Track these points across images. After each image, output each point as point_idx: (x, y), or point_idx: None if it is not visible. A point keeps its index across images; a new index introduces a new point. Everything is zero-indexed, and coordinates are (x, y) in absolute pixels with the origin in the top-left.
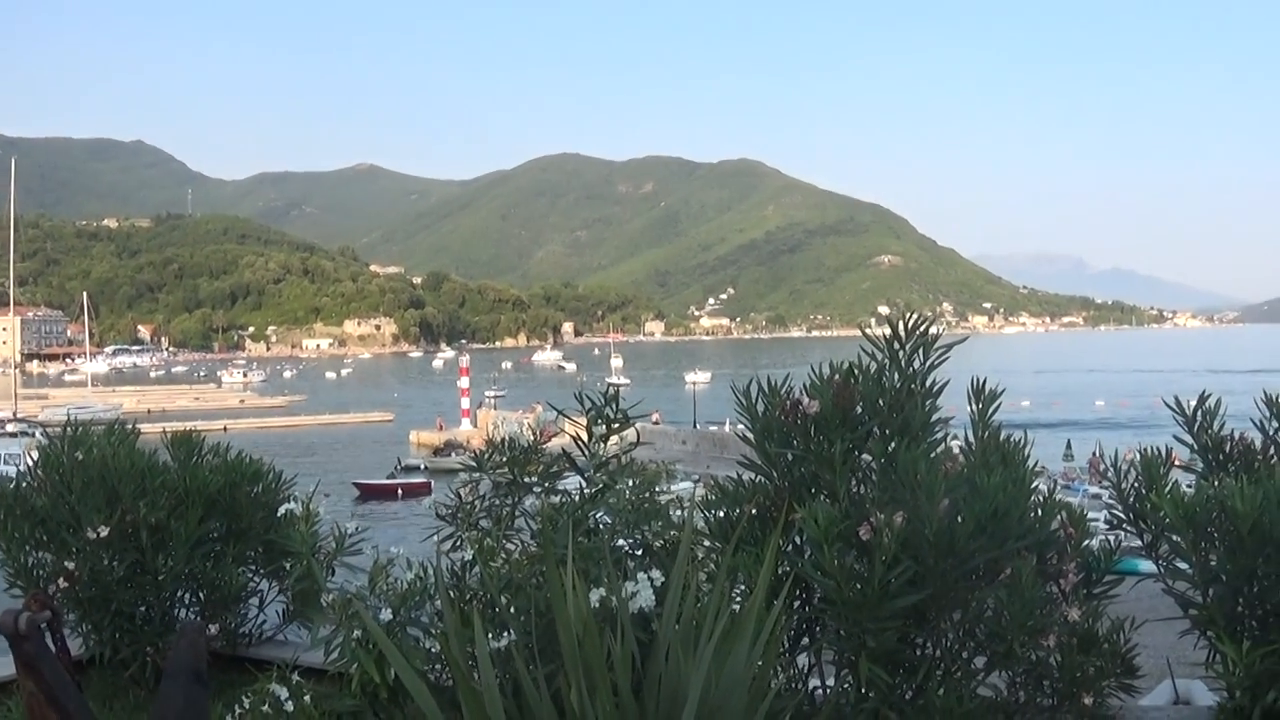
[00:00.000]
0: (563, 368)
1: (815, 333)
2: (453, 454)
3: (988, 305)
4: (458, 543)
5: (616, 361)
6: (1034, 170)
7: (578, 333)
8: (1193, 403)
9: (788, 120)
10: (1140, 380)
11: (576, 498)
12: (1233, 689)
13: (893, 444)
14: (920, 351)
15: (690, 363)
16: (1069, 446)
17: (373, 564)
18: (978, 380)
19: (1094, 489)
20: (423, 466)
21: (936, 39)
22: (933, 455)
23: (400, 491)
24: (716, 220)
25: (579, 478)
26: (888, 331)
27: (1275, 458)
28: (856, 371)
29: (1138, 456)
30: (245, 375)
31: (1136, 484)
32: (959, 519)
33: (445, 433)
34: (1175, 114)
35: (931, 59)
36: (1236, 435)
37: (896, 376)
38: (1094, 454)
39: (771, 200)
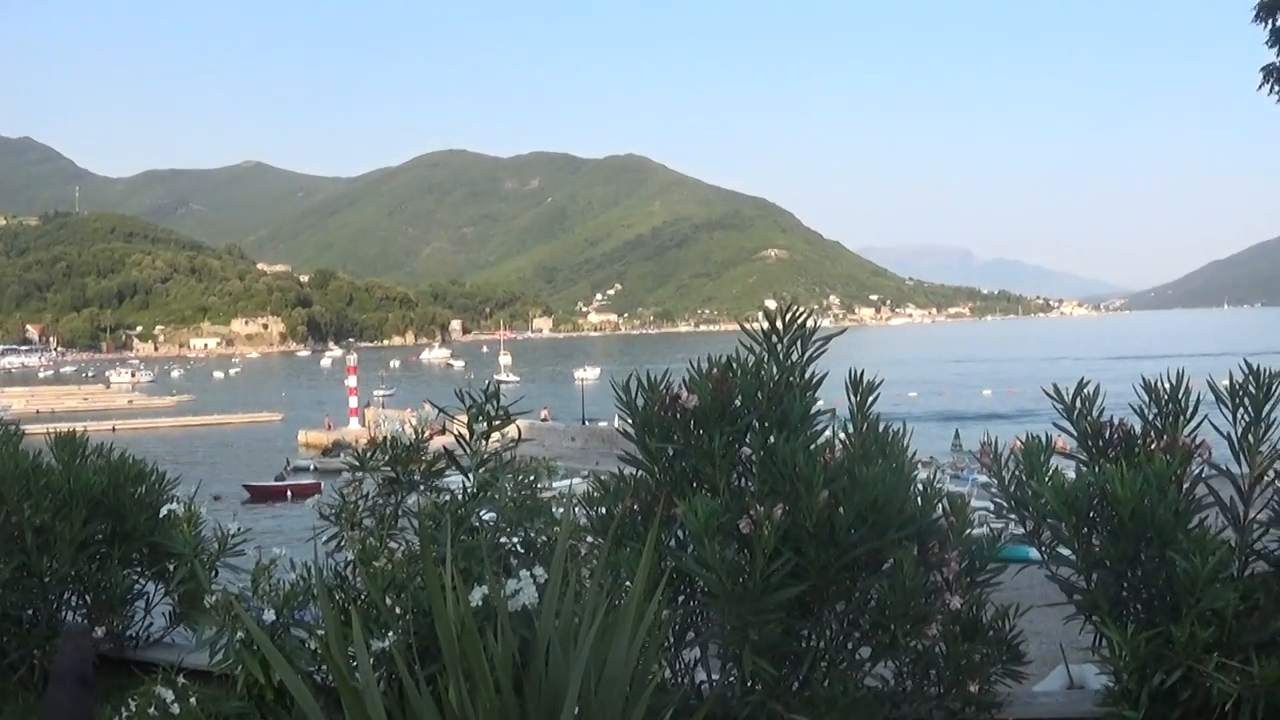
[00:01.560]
0: (451, 365)
1: (703, 327)
2: (341, 454)
3: (875, 297)
4: (341, 543)
5: (505, 359)
6: (918, 164)
7: (466, 330)
8: (1071, 390)
9: (674, 116)
10: (1027, 369)
11: (460, 496)
12: (1119, 672)
13: (772, 437)
14: (798, 344)
15: (579, 359)
16: (957, 436)
17: (255, 565)
18: (855, 372)
19: (983, 478)
20: (312, 467)
21: (818, 35)
22: (812, 447)
23: (290, 493)
24: (603, 216)
25: (461, 476)
26: (767, 325)
27: (1154, 443)
28: (735, 365)
29: (1019, 444)
30: (133, 375)
31: (1018, 472)
32: (839, 510)
33: (334, 432)
34: (1055, 106)
35: (814, 55)
36: (1116, 421)
37: (775, 369)
38: (981, 443)
39: (658, 196)
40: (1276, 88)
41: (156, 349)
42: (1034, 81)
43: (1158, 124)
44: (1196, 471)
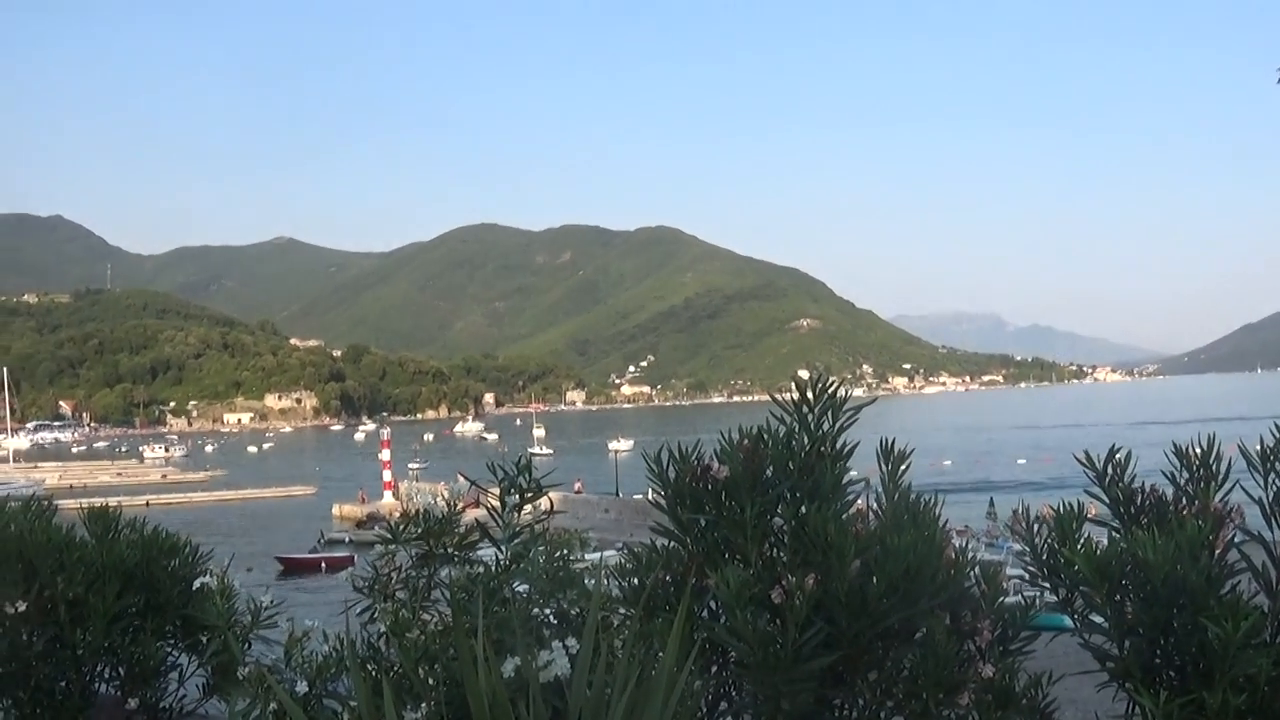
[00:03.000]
0: (485, 439)
1: (736, 398)
2: (375, 527)
3: (908, 366)
4: (374, 614)
5: (539, 431)
6: (949, 230)
7: (499, 403)
8: (1103, 457)
9: (705, 187)
10: (1061, 436)
11: (493, 568)
12: None
13: (803, 507)
14: (829, 414)
15: (612, 431)
16: (992, 504)
17: (288, 637)
18: (887, 441)
19: (1018, 546)
20: (346, 539)
21: (846, 103)
22: (844, 517)
23: (324, 565)
24: (635, 288)
25: (494, 548)
26: (797, 395)
27: (1186, 509)
28: (766, 436)
29: (1051, 512)
30: (167, 450)
31: (1050, 539)
32: (871, 580)
33: (368, 505)
34: (1088, 170)
35: (844, 123)
36: (1148, 487)
37: (806, 439)
38: (1014, 511)
39: (690, 267)
40: None
41: (190, 424)
42: (1064, 147)
43: (1187, 187)
44: (1229, 537)
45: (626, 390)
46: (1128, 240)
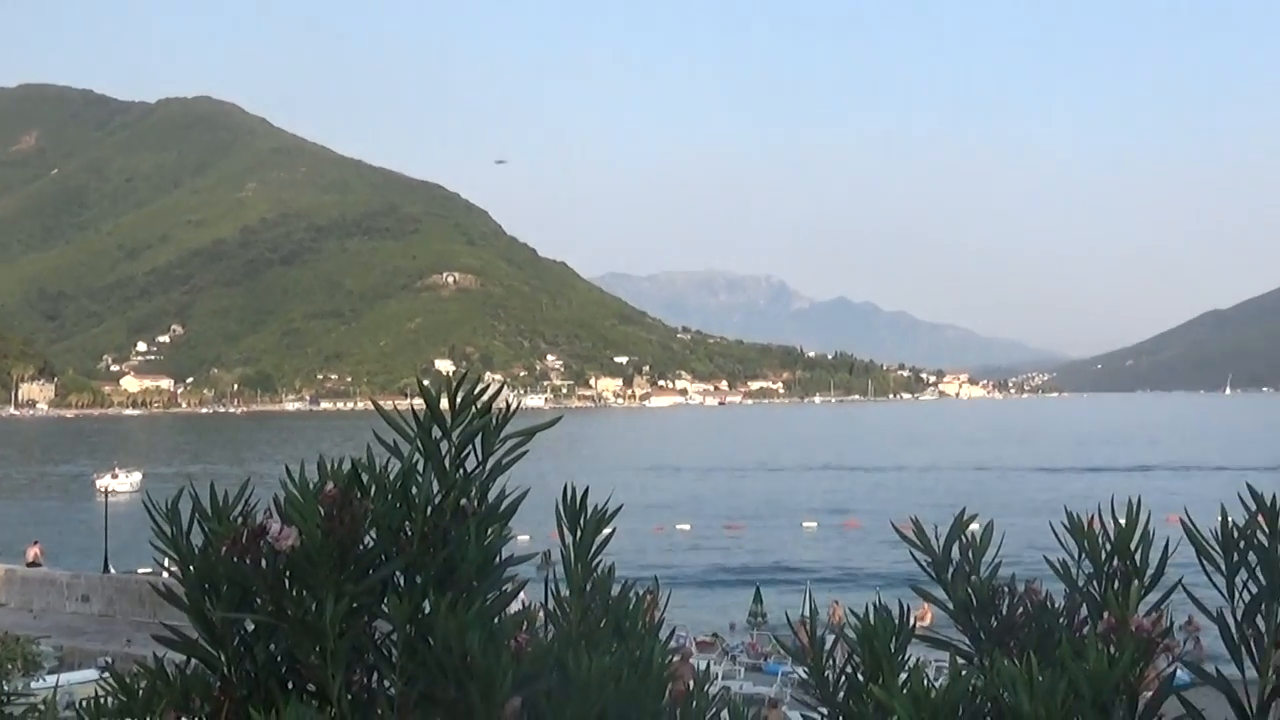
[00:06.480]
0: None
1: (326, 404)
2: None
3: (623, 360)
4: None
5: None
6: (702, 136)
7: None
8: (942, 529)
9: (285, 37)
10: (881, 486)
11: None
12: None
13: (428, 601)
14: (480, 440)
15: (104, 456)
16: (758, 598)
17: None
18: (574, 488)
19: (800, 671)
20: None
21: None
22: (496, 620)
23: None
24: (154, 204)
25: None
26: (420, 404)
27: (1090, 624)
28: (366, 475)
29: (853, 620)
30: None
31: (851, 668)
32: None
33: None
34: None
35: None
36: (1022, 585)
37: (436, 483)
38: (795, 618)
39: (253, 171)
40: None
41: None
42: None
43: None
44: (1167, 671)
45: (132, 384)
46: (986, 162)
